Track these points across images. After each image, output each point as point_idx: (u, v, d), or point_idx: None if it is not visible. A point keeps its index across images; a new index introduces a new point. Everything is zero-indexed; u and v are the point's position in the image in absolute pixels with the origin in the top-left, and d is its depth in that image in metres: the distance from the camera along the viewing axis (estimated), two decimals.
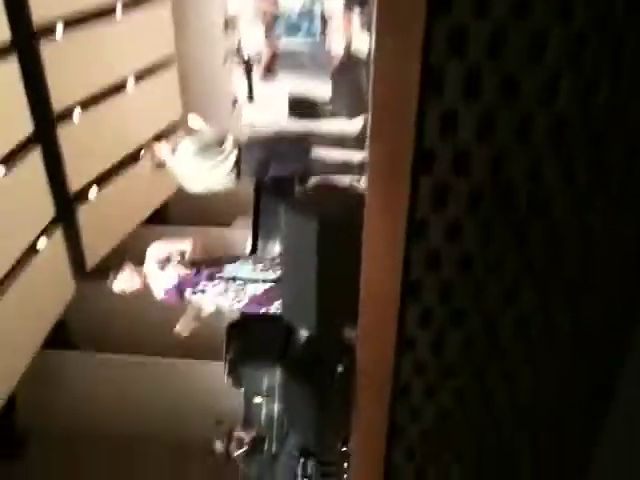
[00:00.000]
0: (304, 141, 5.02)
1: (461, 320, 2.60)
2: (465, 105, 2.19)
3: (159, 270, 4.05)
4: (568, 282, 2.46)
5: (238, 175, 4.82)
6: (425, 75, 2.13)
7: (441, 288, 2.56)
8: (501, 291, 2.50)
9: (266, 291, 3.99)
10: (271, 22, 5.90)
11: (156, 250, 4.10)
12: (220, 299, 4.06)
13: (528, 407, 2.62)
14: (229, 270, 4.02)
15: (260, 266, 4.04)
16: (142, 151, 7.60)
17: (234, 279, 3.99)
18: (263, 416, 5.63)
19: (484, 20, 1.96)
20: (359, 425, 3.04)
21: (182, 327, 4.26)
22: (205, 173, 4.77)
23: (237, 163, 4.78)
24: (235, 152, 4.76)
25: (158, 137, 4.95)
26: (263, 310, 4.04)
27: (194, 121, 4.94)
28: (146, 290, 4.19)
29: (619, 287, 2.42)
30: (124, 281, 4.09)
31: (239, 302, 4.03)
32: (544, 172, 2.28)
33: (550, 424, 2.64)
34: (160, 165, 4.93)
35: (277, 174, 4.86)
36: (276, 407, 5.56)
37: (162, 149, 4.84)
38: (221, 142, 4.79)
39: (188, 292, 4.05)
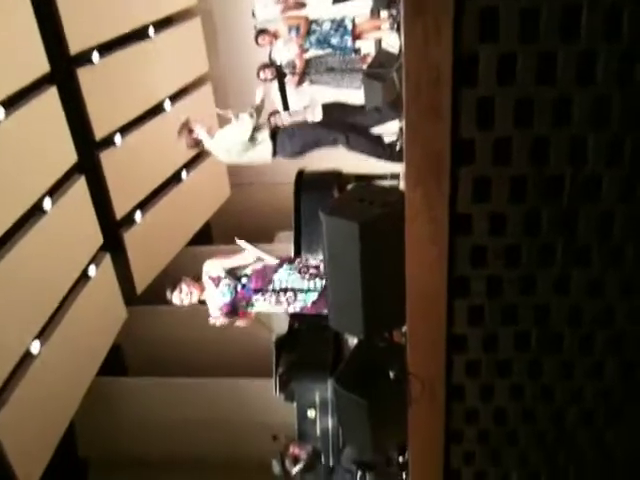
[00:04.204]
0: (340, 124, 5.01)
1: (513, 314, 2.52)
2: (501, 92, 2.14)
3: (214, 287, 4.10)
4: (621, 269, 2.37)
5: (274, 154, 4.95)
6: (458, 62, 2.09)
7: (489, 283, 2.50)
8: (551, 281, 2.42)
9: (315, 302, 4.04)
10: (303, 34, 5.94)
11: (210, 267, 4.15)
12: (274, 309, 4.19)
13: (589, 400, 2.52)
14: (278, 280, 4.07)
15: (307, 274, 4.07)
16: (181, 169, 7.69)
17: (285, 290, 4.05)
18: (317, 430, 5.57)
19: None
20: (415, 432, 2.97)
21: (216, 319, 4.27)
22: (241, 153, 4.93)
23: (274, 141, 4.90)
24: (270, 142, 4.89)
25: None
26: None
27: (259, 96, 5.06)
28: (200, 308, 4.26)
29: None
30: (182, 294, 4.18)
31: (293, 309, 4.13)
32: (588, 155, 2.21)
33: (613, 413, 2.53)
34: (195, 145, 5.04)
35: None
36: (330, 420, 5.51)
37: (199, 129, 4.95)
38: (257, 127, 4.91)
39: (242, 307, 4.13)
